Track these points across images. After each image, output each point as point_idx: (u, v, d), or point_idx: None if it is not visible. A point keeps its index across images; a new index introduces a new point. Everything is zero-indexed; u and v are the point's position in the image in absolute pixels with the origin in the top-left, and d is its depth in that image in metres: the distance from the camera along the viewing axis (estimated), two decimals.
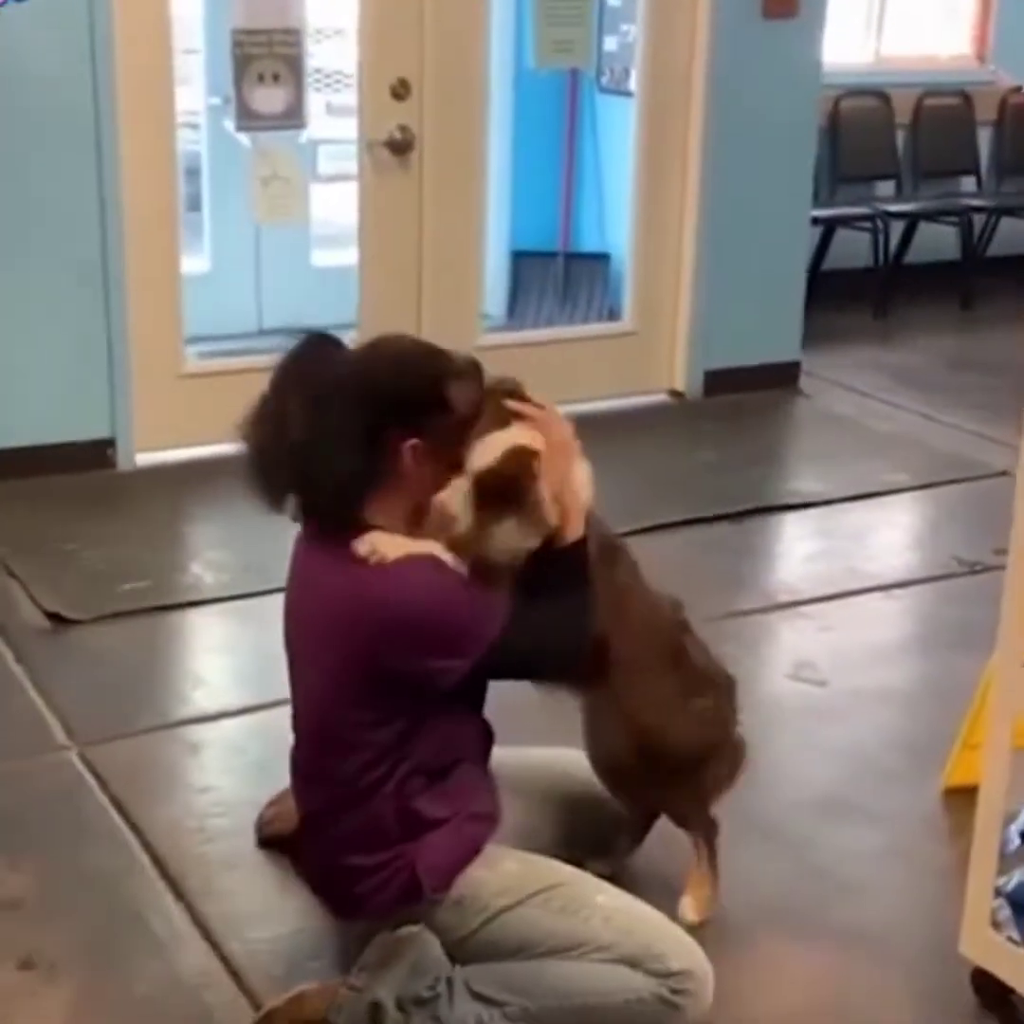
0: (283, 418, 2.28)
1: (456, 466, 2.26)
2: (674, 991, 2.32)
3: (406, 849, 2.36)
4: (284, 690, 3.51)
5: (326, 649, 2.36)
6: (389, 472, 2.28)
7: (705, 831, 2.71)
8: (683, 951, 2.36)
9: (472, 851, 2.39)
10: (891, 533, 4.87)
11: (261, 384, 5.32)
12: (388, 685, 2.31)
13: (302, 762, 2.51)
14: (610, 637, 2.47)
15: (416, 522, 2.32)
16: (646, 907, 2.44)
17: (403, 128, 5.16)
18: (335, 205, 6.48)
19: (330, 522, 2.34)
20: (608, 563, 2.49)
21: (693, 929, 2.50)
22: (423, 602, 2.27)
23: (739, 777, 2.72)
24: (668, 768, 2.61)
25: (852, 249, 7.23)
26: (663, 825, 2.77)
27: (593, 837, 2.71)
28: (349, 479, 2.27)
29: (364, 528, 2.28)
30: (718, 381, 5.82)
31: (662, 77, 5.62)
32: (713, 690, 2.70)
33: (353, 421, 2.25)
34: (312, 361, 2.33)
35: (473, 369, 2.33)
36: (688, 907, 2.67)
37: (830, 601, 4.16)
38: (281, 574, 4.16)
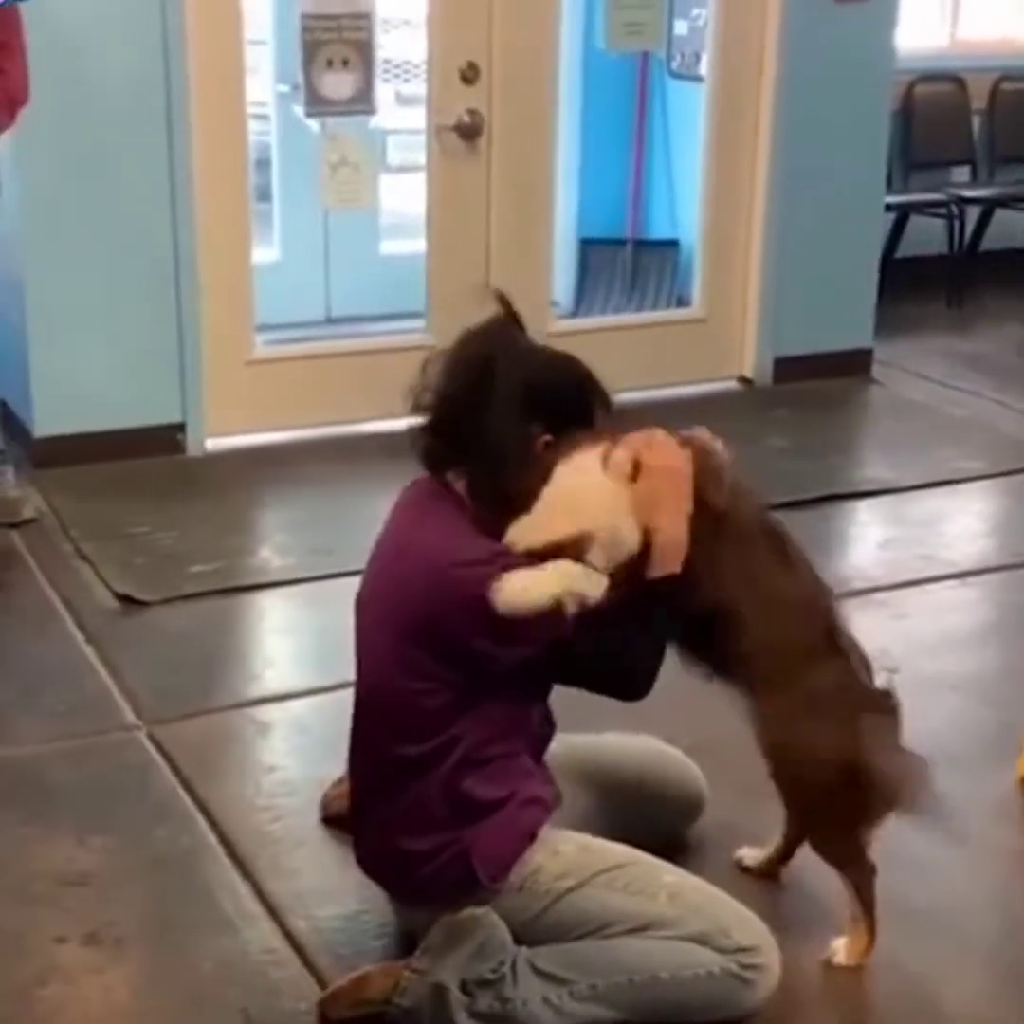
0: (482, 377, 2.37)
1: None
2: (743, 966, 2.31)
3: (460, 835, 2.35)
4: (348, 672, 3.53)
5: (396, 606, 2.38)
6: (526, 455, 2.34)
7: (854, 874, 2.50)
8: (751, 928, 2.35)
9: (528, 838, 2.37)
10: (966, 520, 4.79)
11: (329, 371, 5.44)
12: (443, 656, 2.31)
13: (356, 736, 2.51)
14: (747, 624, 2.36)
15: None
16: (712, 886, 2.42)
17: (472, 112, 5.15)
18: (404, 195, 6.49)
19: (479, 474, 2.37)
20: (750, 541, 2.41)
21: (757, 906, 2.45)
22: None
23: (900, 812, 2.46)
24: (805, 793, 2.47)
25: (926, 236, 7.13)
26: None
27: (653, 825, 2.67)
28: (515, 440, 2.34)
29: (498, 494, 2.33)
30: (788, 368, 5.75)
31: (733, 61, 5.57)
32: (866, 707, 2.48)
33: (527, 404, 2.35)
34: (506, 332, 2.45)
35: (609, 399, 2.44)
36: (840, 950, 2.53)
37: (904, 588, 4.11)
38: (347, 558, 4.21)
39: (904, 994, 2.50)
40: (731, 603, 2.37)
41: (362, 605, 2.49)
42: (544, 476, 2.29)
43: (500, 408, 2.34)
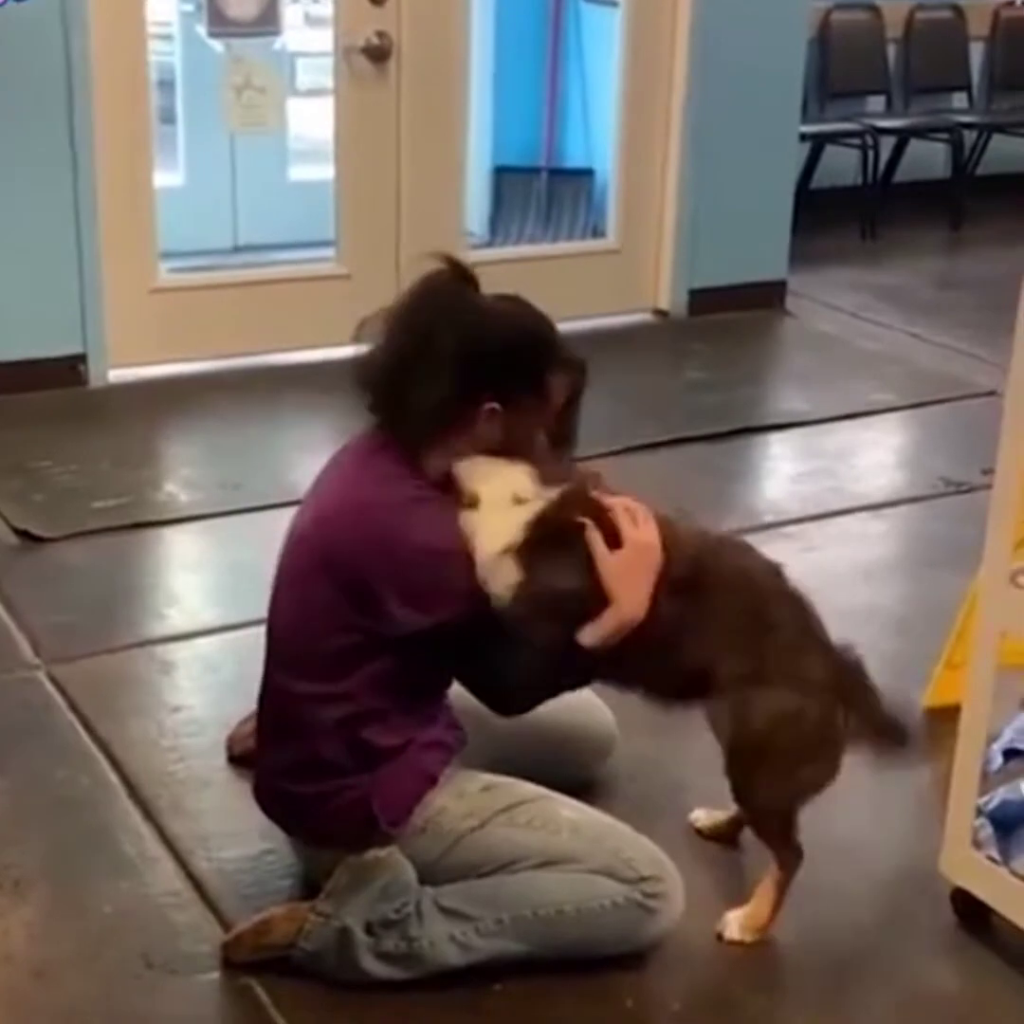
0: (413, 332, 2.30)
1: (518, 443, 2.31)
2: (647, 895, 2.32)
3: (360, 780, 2.31)
4: (259, 610, 3.46)
5: (324, 545, 2.32)
6: (463, 421, 2.30)
7: (786, 853, 2.45)
8: (652, 858, 2.36)
9: (428, 782, 2.35)
10: (877, 453, 4.81)
11: (236, 300, 5.33)
12: (359, 604, 2.26)
13: (265, 675, 2.47)
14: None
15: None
16: (612, 818, 2.43)
17: (381, 34, 5.02)
18: (313, 119, 6.34)
19: (402, 435, 2.32)
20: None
21: (658, 839, 2.43)
22: (423, 543, 2.23)
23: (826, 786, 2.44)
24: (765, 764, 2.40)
25: (841, 167, 7.11)
26: None
27: (563, 765, 2.64)
28: (435, 406, 2.28)
29: (418, 455, 2.31)
30: (703, 300, 5.72)
31: None
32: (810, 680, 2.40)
33: (462, 364, 2.28)
34: (453, 293, 2.32)
35: (579, 367, 2.37)
36: (733, 922, 2.44)
37: (815, 521, 4.12)
38: (256, 493, 4.16)
39: (805, 926, 2.51)
40: (714, 663, 2.34)
41: (291, 542, 2.42)
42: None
43: (436, 376, 2.26)
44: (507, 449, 2.31)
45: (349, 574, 2.27)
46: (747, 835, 2.61)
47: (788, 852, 2.45)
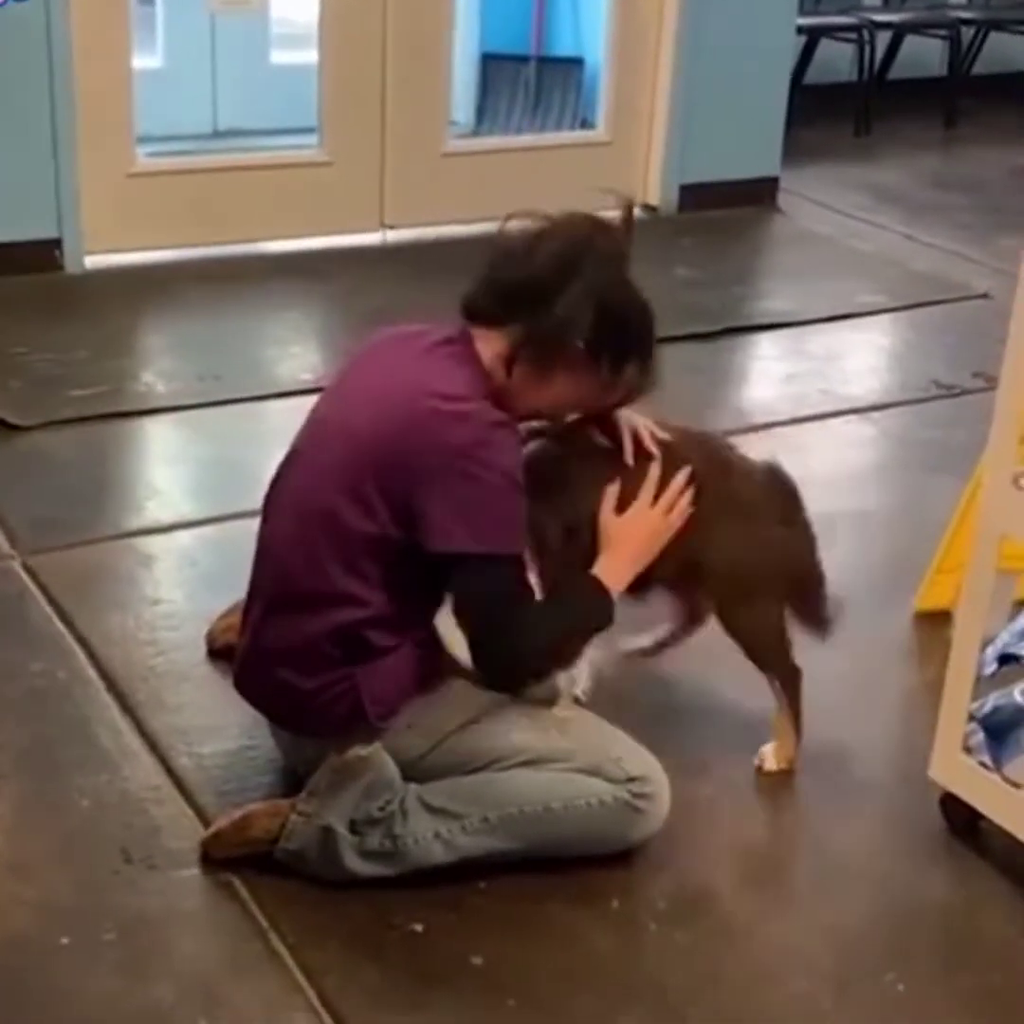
0: (573, 263, 2.27)
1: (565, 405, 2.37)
2: (635, 795, 2.30)
3: (351, 672, 2.26)
4: (240, 503, 3.43)
5: (369, 446, 2.22)
6: (561, 361, 2.28)
7: (786, 673, 2.58)
8: (641, 758, 2.34)
9: (417, 679, 2.30)
10: (869, 355, 4.74)
11: (216, 186, 5.19)
12: (393, 499, 2.18)
13: (266, 562, 2.38)
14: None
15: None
16: (600, 719, 2.40)
17: None
18: (296, 1, 6.15)
19: (526, 338, 2.27)
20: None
21: (650, 744, 2.41)
22: (500, 465, 2.17)
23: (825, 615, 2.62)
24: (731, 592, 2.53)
25: (835, 62, 6.97)
26: None
27: None
28: (573, 329, 2.25)
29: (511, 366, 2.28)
30: (693, 196, 5.62)
31: None
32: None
33: (593, 313, 2.25)
34: (616, 253, 2.33)
35: (652, 378, 2.36)
36: (769, 756, 2.59)
37: (805, 423, 4.06)
38: (236, 384, 4.08)
39: (795, 832, 2.50)
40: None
41: (324, 429, 2.33)
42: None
43: (576, 298, 2.24)
44: (550, 400, 2.31)
45: (403, 476, 2.18)
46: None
47: (788, 670, 2.57)
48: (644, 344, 2.35)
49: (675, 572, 2.46)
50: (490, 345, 2.28)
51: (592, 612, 2.32)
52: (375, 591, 2.23)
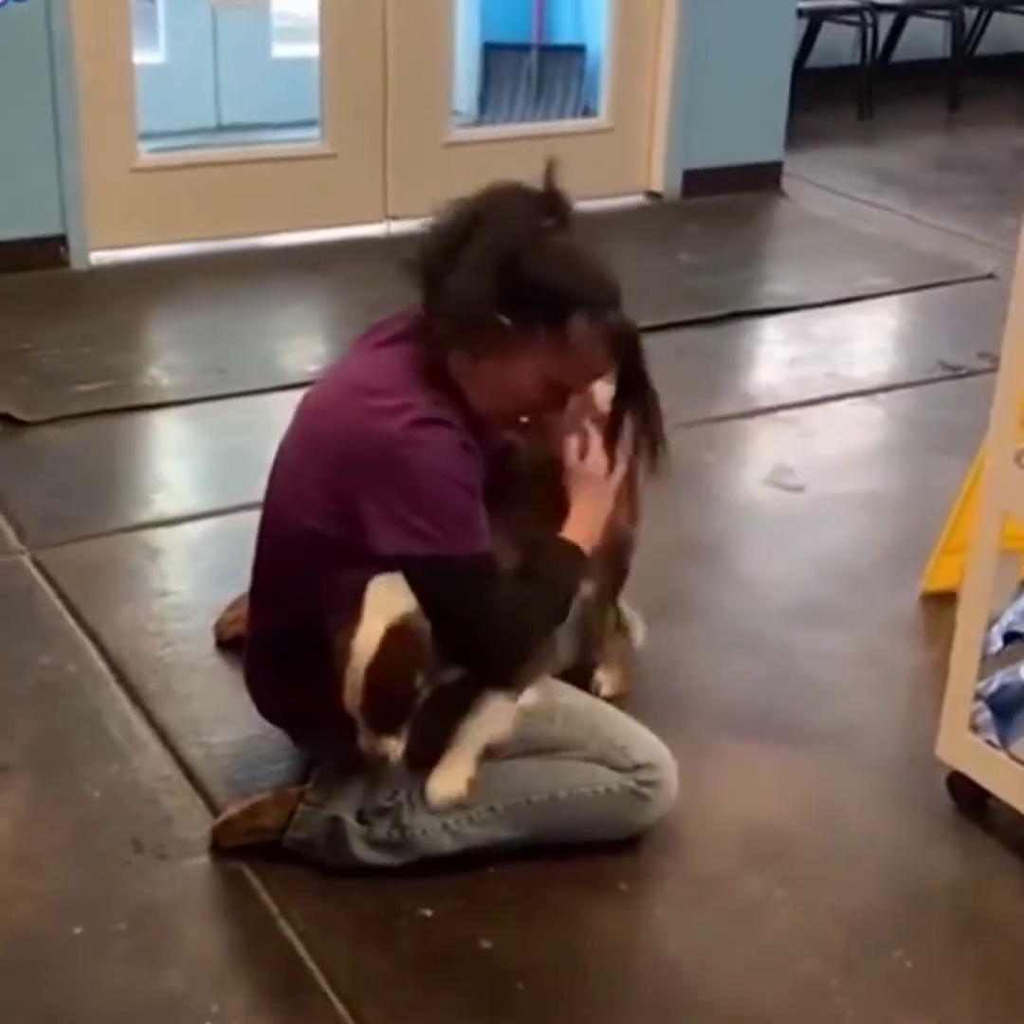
0: (463, 237, 2.15)
1: (521, 385, 2.17)
2: (641, 782, 2.30)
3: (320, 674, 2.21)
4: (245, 496, 3.42)
5: (315, 434, 2.23)
6: (488, 340, 2.14)
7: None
8: (646, 744, 2.34)
9: None
10: (874, 337, 4.73)
11: (219, 180, 5.19)
12: (339, 506, 2.15)
13: (255, 570, 2.41)
14: None
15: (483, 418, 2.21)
16: (607, 706, 2.41)
17: None
18: None
19: (433, 320, 2.18)
20: None
21: (657, 728, 2.42)
22: (428, 462, 2.09)
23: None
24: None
25: (838, 45, 6.96)
26: None
27: None
28: (469, 295, 2.12)
29: (443, 351, 2.17)
30: (697, 181, 5.61)
31: None
32: None
33: (500, 265, 2.11)
34: (517, 200, 2.16)
35: (619, 329, 2.17)
36: (605, 684, 2.61)
37: (810, 406, 4.06)
38: (242, 378, 4.09)
39: (803, 812, 2.50)
40: None
41: (294, 421, 2.33)
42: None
43: (469, 269, 2.11)
44: (506, 390, 2.17)
45: (343, 478, 2.13)
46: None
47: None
48: (581, 294, 2.13)
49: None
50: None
51: (568, 574, 2.25)
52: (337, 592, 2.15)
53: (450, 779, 2.22)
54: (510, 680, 2.23)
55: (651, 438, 2.30)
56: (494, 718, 2.22)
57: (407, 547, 2.08)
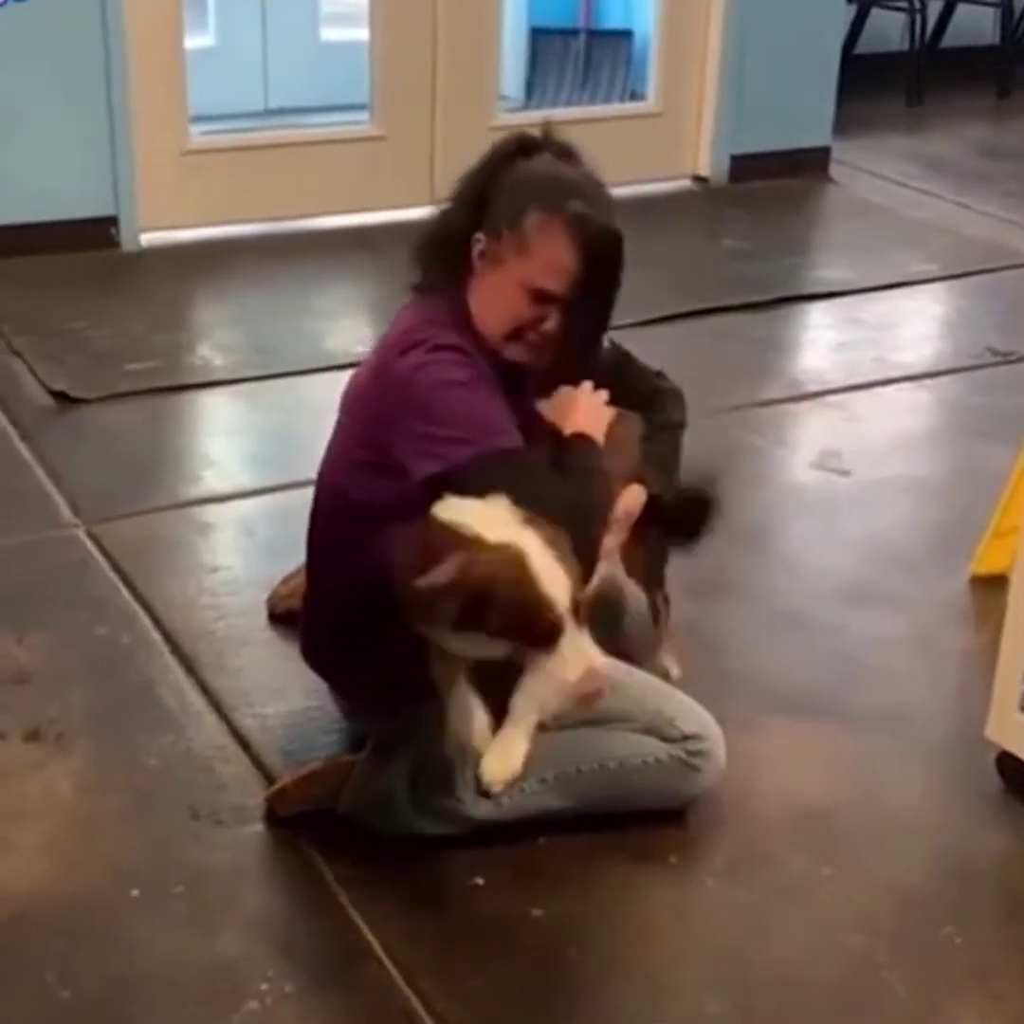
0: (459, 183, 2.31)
1: (504, 301, 2.21)
2: (690, 753, 2.32)
3: (376, 645, 2.25)
4: (294, 474, 3.48)
5: (359, 403, 2.29)
6: (467, 264, 2.24)
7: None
8: (696, 716, 2.36)
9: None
10: (922, 323, 4.72)
11: (269, 163, 5.20)
12: (384, 459, 2.19)
13: (309, 542, 2.43)
14: None
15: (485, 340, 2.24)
16: (654, 678, 2.43)
17: None
18: None
19: (428, 274, 2.30)
20: None
21: (704, 704, 2.43)
22: (428, 381, 2.14)
23: None
24: None
25: (887, 31, 6.92)
26: None
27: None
28: (447, 234, 2.26)
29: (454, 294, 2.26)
30: (745, 166, 5.60)
31: None
32: None
33: (471, 193, 2.25)
34: (508, 149, 2.29)
35: (572, 220, 2.17)
36: (672, 665, 2.63)
37: (858, 391, 4.05)
38: (290, 358, 4.12)
39: (850, 791, 2.50)
40: None
41: (345, 398, 2.38)
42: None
43: (457, 209, 2.25)
44: (497, 308, 2.21)
45: (369, 426, 2.22)
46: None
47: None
48: (535, 192, 2.18)
49: None
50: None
51: (594, 461, 2.23)
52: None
53: (505, 760, 2.18)
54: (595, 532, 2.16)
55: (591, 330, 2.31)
56: (544, 691, 2.23)
57: (444, 461, 2.09)
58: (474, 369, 2.16)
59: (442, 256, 2.27)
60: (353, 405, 2.31)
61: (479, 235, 2.22)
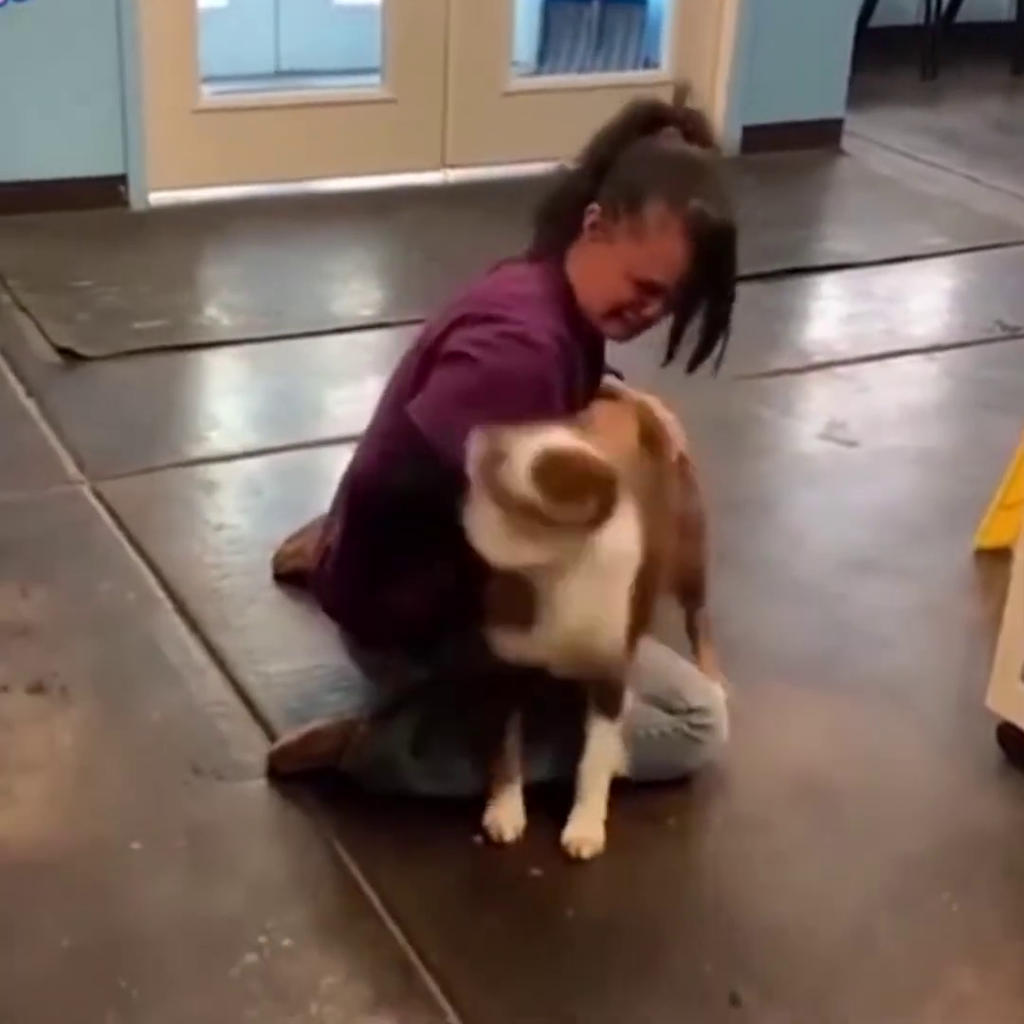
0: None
1: (609, 279, 2.21)
2: (694, 726, 2.32)
3: (400, 588, 2.26)
4: (300, 434, 3.49)
5: (427, 340, 2.27)
6: (581, 231, 2.24)
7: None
8: (700, 689, 2.36)
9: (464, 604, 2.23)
10: (932, 296, 4.70)
11: (280, 123, 5.15)
12: None
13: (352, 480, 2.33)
14: None
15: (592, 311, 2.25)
16: (663, 649, 2.41)
17: None
18: None
19: (541, 233, 2.30)
20: None
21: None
22: (479, 367, 2.12)
23: None
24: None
25: (902, 4, 6.87)
26: None
27: None
28: (565, 198, 2.26)
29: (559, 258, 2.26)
30: (757, 137, 5.56)
31: None
32: None
33: (593, 164, 2.25)
34: (631, 120, 2.25)
35: (705, 220, 2.15)
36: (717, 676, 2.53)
37: (867, 362, 4.04)
38: (297, 319, 4.11)
39: (852, 758, 2.51)
40: None
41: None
42: None
43: (576, 176, 2.26)
44: (599, 283, 2.21)
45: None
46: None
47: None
48: (661, 180, 2.17)
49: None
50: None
51: None
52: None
53: (591, 829, 2.23)
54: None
55: (714, 333, 2.28)
56: (606, 752, 2.23)
57: (419, 413, 2.12)
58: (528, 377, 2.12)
59: (556, 218, 2.26)
60: (415, 347, 2.29)
61: (594, 205, 2.21)
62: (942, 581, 3.04)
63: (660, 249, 2.17)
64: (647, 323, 2.26)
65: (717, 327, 2.27)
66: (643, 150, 2.21)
